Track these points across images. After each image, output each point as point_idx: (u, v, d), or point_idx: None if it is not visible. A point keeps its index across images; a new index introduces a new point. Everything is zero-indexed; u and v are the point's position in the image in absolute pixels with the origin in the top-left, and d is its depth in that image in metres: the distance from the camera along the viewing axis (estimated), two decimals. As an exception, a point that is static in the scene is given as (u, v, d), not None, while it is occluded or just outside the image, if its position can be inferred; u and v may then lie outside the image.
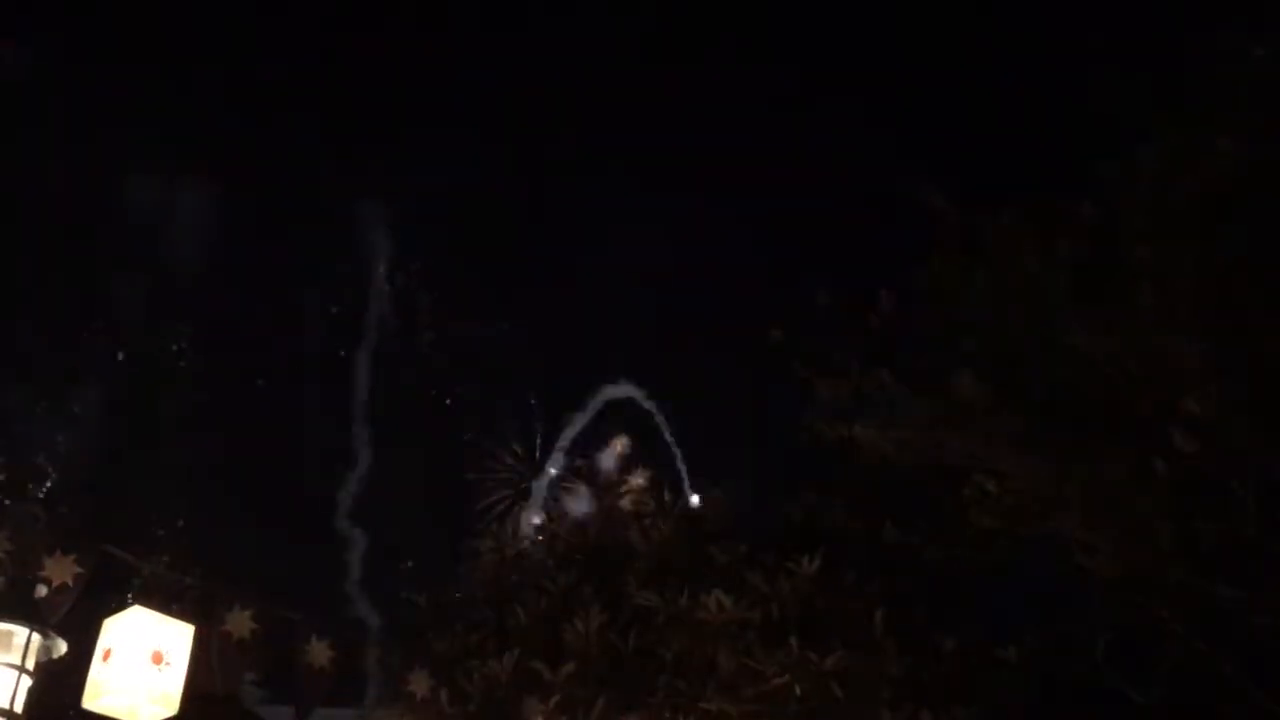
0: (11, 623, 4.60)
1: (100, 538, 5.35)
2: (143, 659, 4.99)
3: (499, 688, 8.96)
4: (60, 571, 5.01)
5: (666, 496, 11.36)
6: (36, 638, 4.63)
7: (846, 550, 10.01)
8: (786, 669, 8.99)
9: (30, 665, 4.61)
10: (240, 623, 5.67)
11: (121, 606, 5.17)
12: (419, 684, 6.95)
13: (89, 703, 4.98)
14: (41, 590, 4.88)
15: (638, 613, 9.62)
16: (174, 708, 5.09)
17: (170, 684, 5.06)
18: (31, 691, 4.64)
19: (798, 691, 8.93)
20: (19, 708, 4.55)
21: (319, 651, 6.12)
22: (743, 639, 9.25)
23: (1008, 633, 9.58)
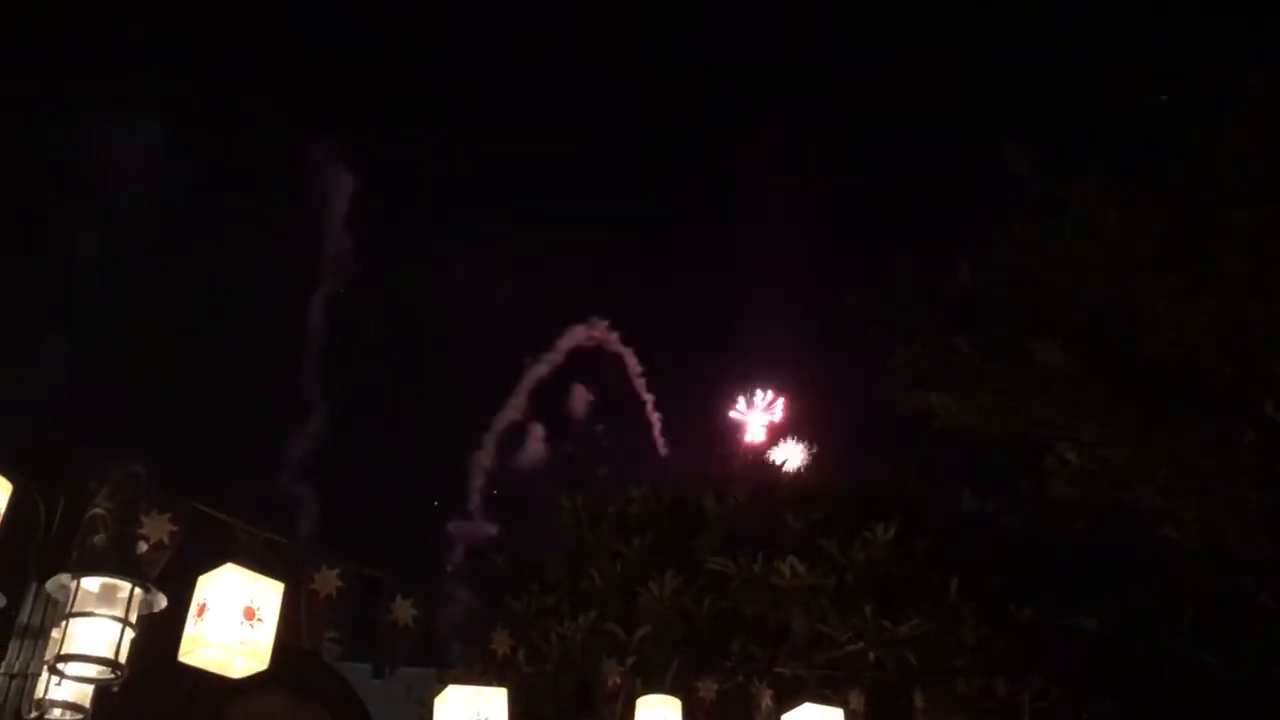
0: (115, 577, 4.78)
1: (194, 496, 5.51)
2: (235, 614, 5.12)
3: (575, 649, 9.10)
4: (157, 529, 5.18)
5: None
6: (139, 592, 4.81)
7: (922, 518, 9.96)
8: (861, 635, 9.01)
9: (133, 618, 4.79)
10: (327, 581, 5.81)
11: (215, 564, 5.31)
12: (500, 644, 7.08)
13: (184, 655, 5.13)
14: (141, 547, 5.07)
15: (712, 577, 9.69)
16: (264, 661, 5.23)
17: (261, 639, 5.19)
18: (134, 644, 4.82)
19: (872, 658, 8.94)
20: (123, 658, 4.73)
21: (402, 610, 6.26)
22: (817, 605, 9.28)
23: (1086, 604, 9.46)
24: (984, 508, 9.66)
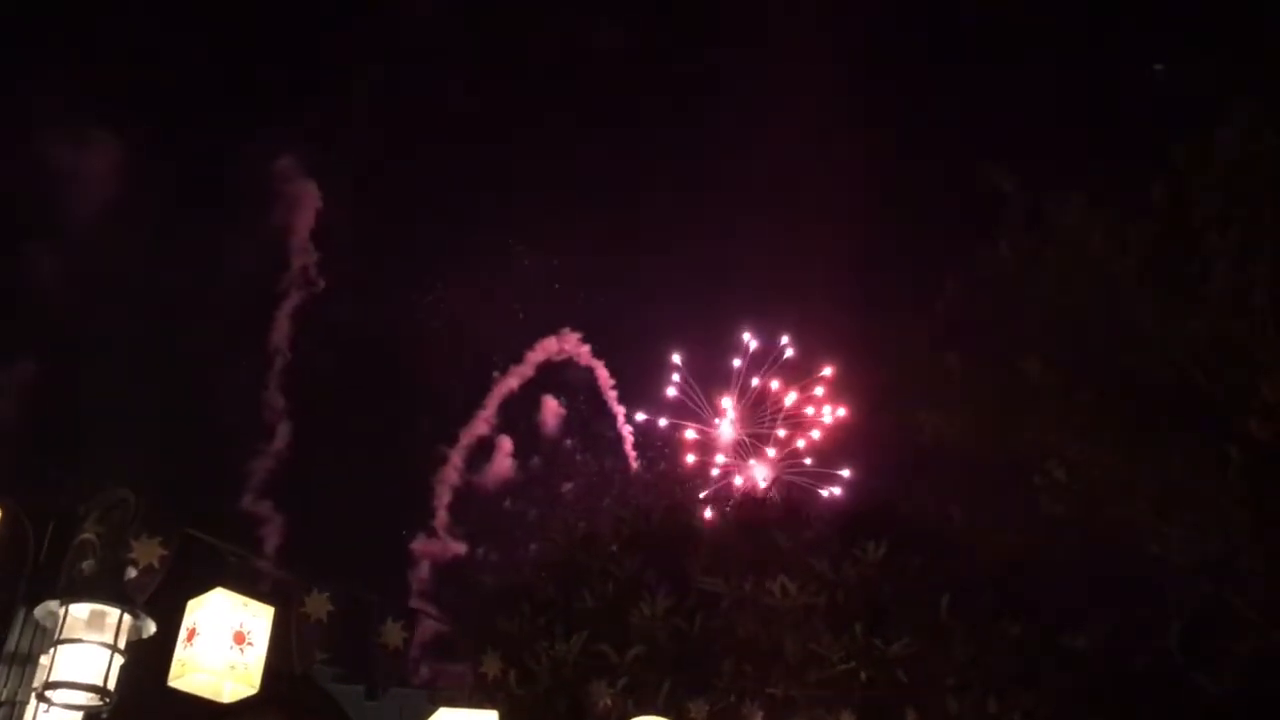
0: (104, 603, 4.76)
1: (184, 521, 5.49)
2: (225, 639, 5.10)
3: (566, 669, 9.07)
4: (146, 554, 5.16)
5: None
6: (128, 618, 4.79)
7: (913, 536, 9.96)
8: (852, 655, 9.00)
9: (122, 645, 4.77)
10: (318, 604, 5.79)
11: (204, 588, 5.29)
12: (490, 665, 7.05)
13: (174, 681, 5.10)
14: (131, 572, 5.05)
15: (703, 597, 9.68)
16: (255, 686, 5.20)
17: (251, 663, 5.17)
18: (123, 670, 4.80)
19: (863, 677, 8.94)
20: (111, 685, 4.71)
21: (393, 633, 6.26)
22: (808, 625, 9.27)
23: (1076, 620, 9.47)
24: (974, 526, 9.66)
